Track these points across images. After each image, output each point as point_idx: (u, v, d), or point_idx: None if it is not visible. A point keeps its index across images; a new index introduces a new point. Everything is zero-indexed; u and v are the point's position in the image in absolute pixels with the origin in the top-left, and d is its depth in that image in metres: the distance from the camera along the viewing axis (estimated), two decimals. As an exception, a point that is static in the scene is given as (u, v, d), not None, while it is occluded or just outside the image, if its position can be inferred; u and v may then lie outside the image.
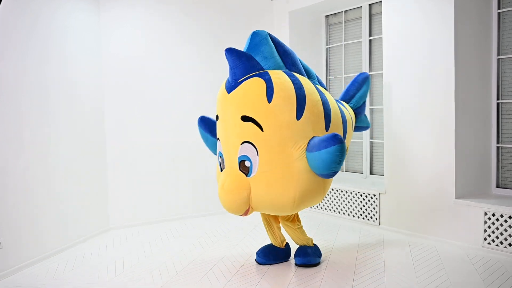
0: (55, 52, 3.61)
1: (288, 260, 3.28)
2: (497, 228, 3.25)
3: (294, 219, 3.15)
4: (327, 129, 2.82)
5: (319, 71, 5.03)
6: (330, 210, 4.54)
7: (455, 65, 3.44)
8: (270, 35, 2.77)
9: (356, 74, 4.68)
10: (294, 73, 2.78)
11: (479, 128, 3.67)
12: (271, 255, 3.20)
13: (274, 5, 4.97)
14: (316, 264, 3.14)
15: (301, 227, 3.19)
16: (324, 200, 4.59)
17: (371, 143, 4.63)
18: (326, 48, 5.06)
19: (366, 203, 4.17)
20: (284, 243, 3.26)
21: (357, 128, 3.89)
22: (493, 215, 3.26)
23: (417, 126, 3.72)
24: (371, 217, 4.13)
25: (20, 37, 3.26)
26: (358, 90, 3.74)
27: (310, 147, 2.58)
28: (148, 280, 2.97)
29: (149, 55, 4.46)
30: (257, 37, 2.72)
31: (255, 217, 4.40)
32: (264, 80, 2.58)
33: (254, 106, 2.58)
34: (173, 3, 4.55)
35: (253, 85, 2.59)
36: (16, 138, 3.21)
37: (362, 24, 4.63)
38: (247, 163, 2.61)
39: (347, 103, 3.69)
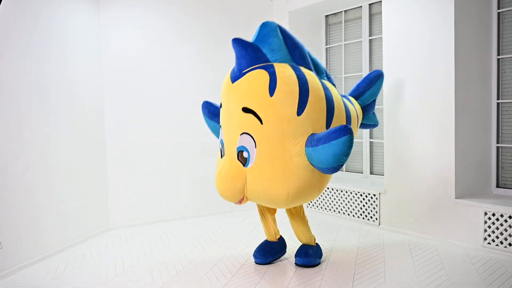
0: (55, 52, 3.61)
1: (285, 253, 3.30)
2: (497, 228, 3.25)
3: (302, 215, 3.15)
4: (327, 126, 2.79)
5: (319, 71, 5.03)
6: (330, 210, 4.54)
7: (455, 65, 3.44)
8: (280, 27, 2.74)
9: (356, 74, 4.71)
10: (301, 67, 2.74)
11: (479, 128, 3.67)
12: (268, 252, 3.20)
13: (274, 5, 4.97)
14: (316, 264, 3.14)
15: (307, 222, 3.19)
16: (324, 200, 4.59)
17: (371, 143, 4.63)
18: (326, 48, 5.06)
19: (366, 203, 4.18)
20: (278, 236, 3.27)
21: (365, 126, 3.85)
22: (493, 215, 3.26)
23: (417, 126, 3.72)
24: (371, 217, 4.13)
25: (20, 37, 3.26)
26: (368, 87, 3.66)
27: (315, 141, 2.54)
28: (148, 280, 2.97)
29: (149, 55, 4.46)
30: (266, 29, 2.69)
31: (255, 217, 4.40)
32: (268, 72, 2.57)
33: (256, 98, 2.57)
34: (173, 3, 4.55)
35: (257, 77, 2.58)
36: (16, 138, 3.21)
37: (362, 24, 4.63)
38: (245, 154, 2.62)
39: (356, 100, 3.63)
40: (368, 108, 3.75)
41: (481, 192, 3.68)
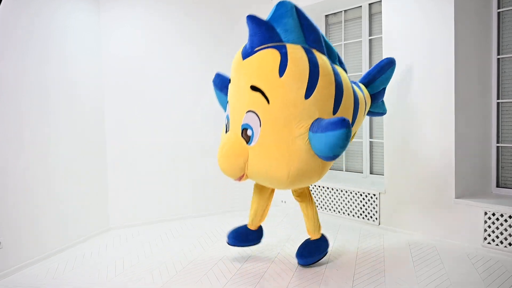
0: (55, 52, 3.61)
1: (259, 243, 3.39)
2: (497, 228, 3.25)
3: (309, 196, 3.18)
4: (334, 112, 2.76)
5: (319, 71, 5.02)
6: (330, 210, 4.54)
7: (455, 65, 3.44)
8: (297, 8, 2.71)
9: (355, 74, 4.71)
10: (314, 50, 2.71)
11: (479, 128, 3.67)
12: (242, 238, 3.30)
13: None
14: (321, 258, 3.14)
15: (314, 204, 3.22)
16: (324, 200, 4.59)
17: (371, 142, 4.63)
18: (326, 48, 5.05)
19: (366, 203, 4.17)
20: (258, 225, 3.33)
21: (373, 113, 3.80)
22: (493, 214, 3.26)
23: (417, 126, 3.72)
24: (371, 217, 4.13)
25: (20, 37, 3.26)
26: (380, 75, 3.60)
27: (315, 128, 2.53)
28: (148, 280, 2.97)
29: (149, 55, 4.46)
30: (281, 8, 2.67)
31: (255, 217, 4.40)
32: (280, 53, 2.55)
33: (265, 77, 2.56)
34: (173, 3, 4.55)
35: (268, 56, 2.56)
36: (16, 138, 3.21)
37: (362, 23, 4.63)
38: (249, 132, 2.61)
39: (366, 87, 3.59)
40: (377, 96, 3.69)
41: (481, 192, 3.68)
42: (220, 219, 4.58)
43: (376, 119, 4.53)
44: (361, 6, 4.63)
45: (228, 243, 3.31)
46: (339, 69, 2.96)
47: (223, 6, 4.78)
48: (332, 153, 2.50)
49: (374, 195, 4.09)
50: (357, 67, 4.73)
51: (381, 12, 4.20)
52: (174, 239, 3.94)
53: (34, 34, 3.39)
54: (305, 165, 2.61)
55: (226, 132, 2.84)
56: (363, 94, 3.39)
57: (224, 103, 3.15)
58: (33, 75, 3.38)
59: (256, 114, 2.58)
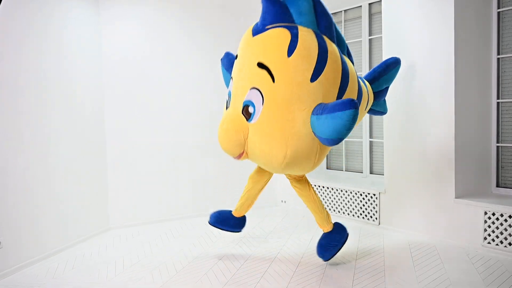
0: (54, 52, 3.61)
1: (239, 231, 3.49)
2: (497, 228, 3.25)
3: (309, 187, 3.21)
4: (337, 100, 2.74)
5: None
6: (330, 209, 4.54)
7: (455, 65, 3.44)
8: None
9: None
10: (324, 36, 2.71)
11: (479, 128, 3.67)
12: (225, 222, 3.40)
13: (274, 5, 4.96)
14: (339, 249, 3.14)
15: (315, 195, 3.23)
16: (324, 199, 4.59)
17: (371, 142, 4.63)
18: (326, 48, 5.05)
19: (366, 203, 4.18)
20: (243, 214, 3.41)
21: (373, 112, 3.79)
22: (493, 214, 3.26)
23: (417, 125, 3.72)
24: (371, 217, 4.13)
25: (19, 37, 3.26)
26: (385, 72, 3.59)
27: (320, 111, 2.51)
28: (148, 280, 2.97)
29: (149, 55, 4.46)
30: None
31: (255, 217, 4.41)
32: (291, 33, 2.54)
33: (273, 55, 2.55)
34: (173, 2, 4.55)
35: (278, 35, 2.55)
36: (15, 138, 3.21)
37: (362, 23, 4.63)
38: (250, 109, 2.59)
39: (370, 84, 3.58)
40: (380, 94, 3.68)
41: (481, 191, 3.68)
42: (220, 219, 4.58)
43: (376, 119, 4.53)
44: (361, 6, 4.63)
45: (209, 223, 3.41)
46: (347, 59, 2.95)
47: (224, 6, 4.78)
48: (337, 135, 2.45)
49: (374, 195, 4.09)
50: (357, 67, 4.72)
51: (381, 12, 4.20)
52: (174, 239, 3.94)
53: (33, 34, 3.39)
54: (303, 149, 2.59)
55: (226, 109, 2.83)
56: (367, 89, 3.39)
57: (227, 81, 3.13)
58: (32, 74, 3.37)
59: (260, 92, 2.56)
